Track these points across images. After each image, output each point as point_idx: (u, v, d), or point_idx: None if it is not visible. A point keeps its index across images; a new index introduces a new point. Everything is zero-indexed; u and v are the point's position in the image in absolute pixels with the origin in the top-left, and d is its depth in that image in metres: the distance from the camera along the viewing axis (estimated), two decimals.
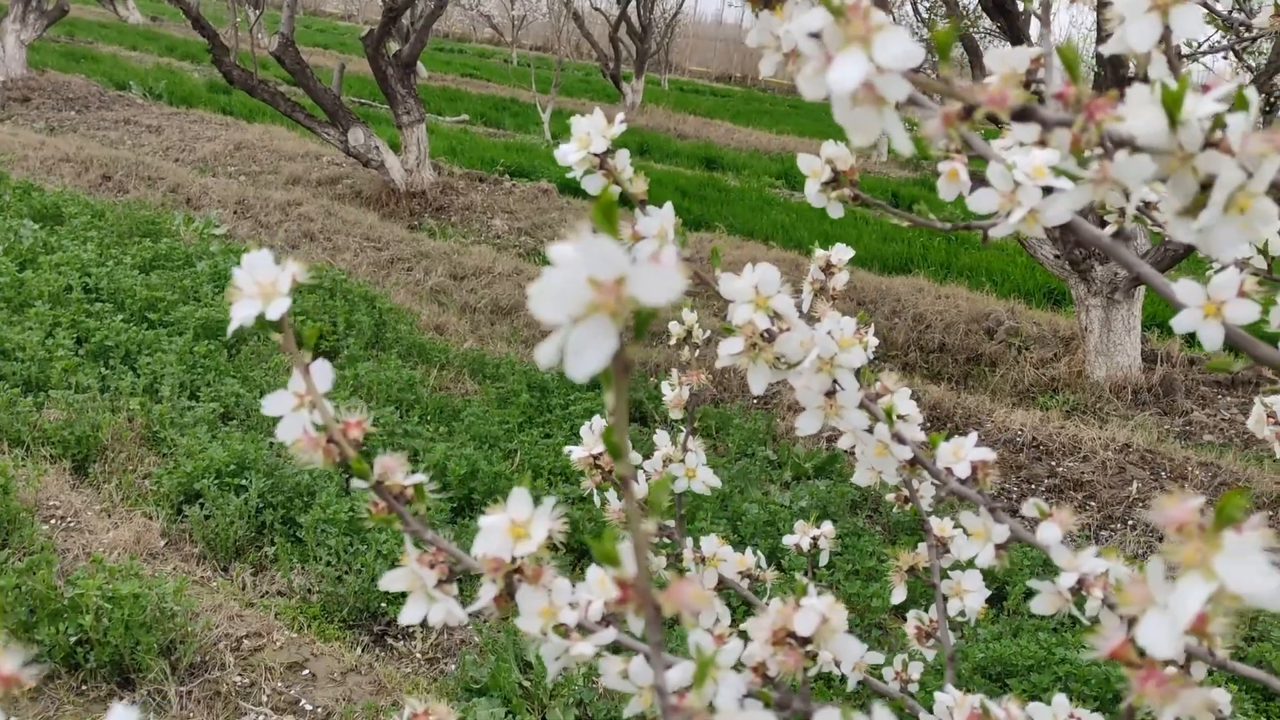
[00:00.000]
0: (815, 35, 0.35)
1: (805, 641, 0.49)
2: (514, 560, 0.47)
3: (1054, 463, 4.07)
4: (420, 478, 0.49)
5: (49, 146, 7.64)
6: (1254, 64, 5.64)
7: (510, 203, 7.66)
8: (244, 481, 3.17)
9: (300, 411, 0.48)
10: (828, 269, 0.82)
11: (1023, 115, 0.38)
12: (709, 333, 0.86)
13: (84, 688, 2.38)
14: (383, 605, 2.84)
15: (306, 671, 2.56)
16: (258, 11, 8.31)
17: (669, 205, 0.62)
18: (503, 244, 6.85)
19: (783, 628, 0.49)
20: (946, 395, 4.56)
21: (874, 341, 0.80)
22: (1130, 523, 3.70)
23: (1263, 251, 0.79)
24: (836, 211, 0.65)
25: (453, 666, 2.71)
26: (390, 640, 2.81)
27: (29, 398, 3.50)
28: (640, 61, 14.86)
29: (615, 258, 0.29)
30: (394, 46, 8.92)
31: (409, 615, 0.49)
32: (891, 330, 5.47)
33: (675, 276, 0.29)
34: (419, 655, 2.76)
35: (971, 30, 6.50)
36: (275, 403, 0.49)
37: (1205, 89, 0.39)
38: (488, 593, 0.49)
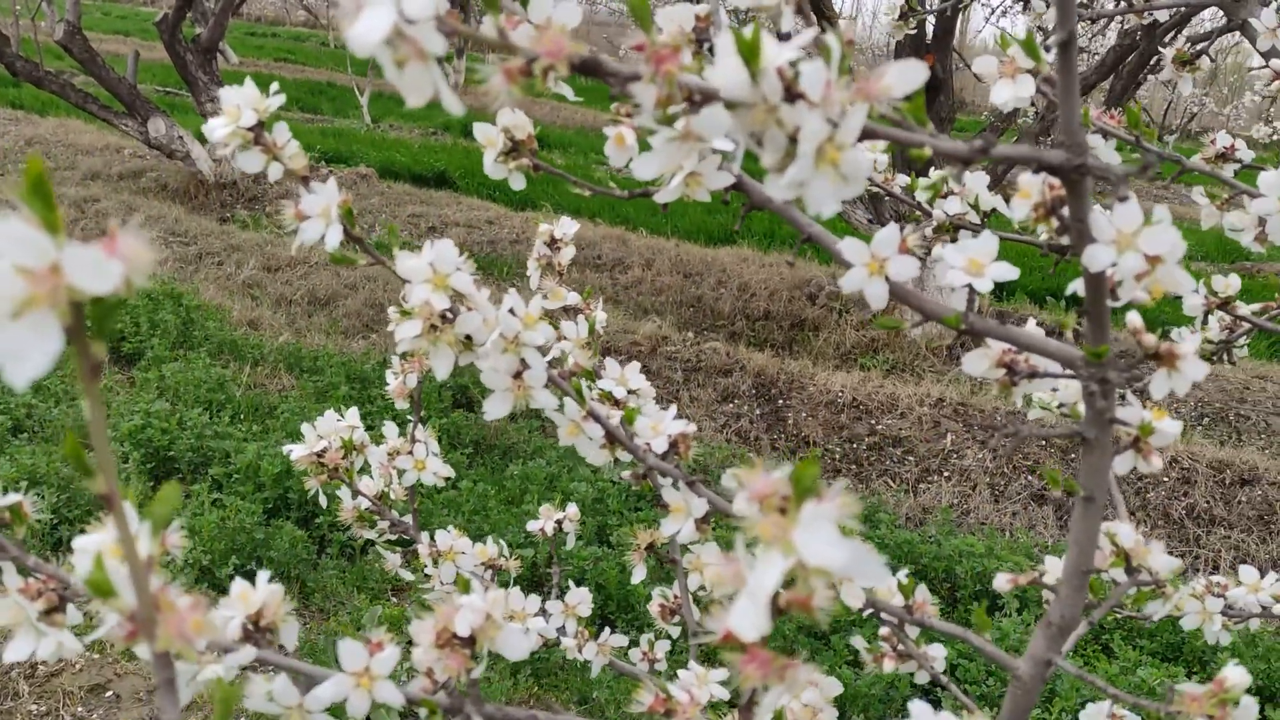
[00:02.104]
0: None
1: (469, 642, 0.46)
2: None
3: (874, 421, 4.20)
4: (16, 498, 0.44)
5: None
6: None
7: None
8: (37, 496, 2.97)
9: None
10: (553, 244, 0.79)
11: (586, 68, 0.35)
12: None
13: None
14: None
15: (110, 694, 2.42)
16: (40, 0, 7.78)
17: (333, 181, 0.58)
18: None
19: (445, 629, 0.46)
20: (771, 362, 4.64)
21: (602, 317, 0.77)
22: (946, 474, 3.85)
23: (974, 206, 0.80)
24: (519, 183, 0.62)
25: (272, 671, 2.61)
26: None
27: None
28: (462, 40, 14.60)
29: (40, 242, 0.25)
30: (198, 30, 8.48)
31: (14, 652, 0.43)
32: (718, 300, 5.54)
33: (115, 261, 0.25)
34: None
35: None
36: None
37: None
38: (112, 619, 0.44)
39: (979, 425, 4.05)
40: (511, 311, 0.57)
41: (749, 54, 0.34)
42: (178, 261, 5.57)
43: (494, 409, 0.58)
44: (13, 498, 0.44)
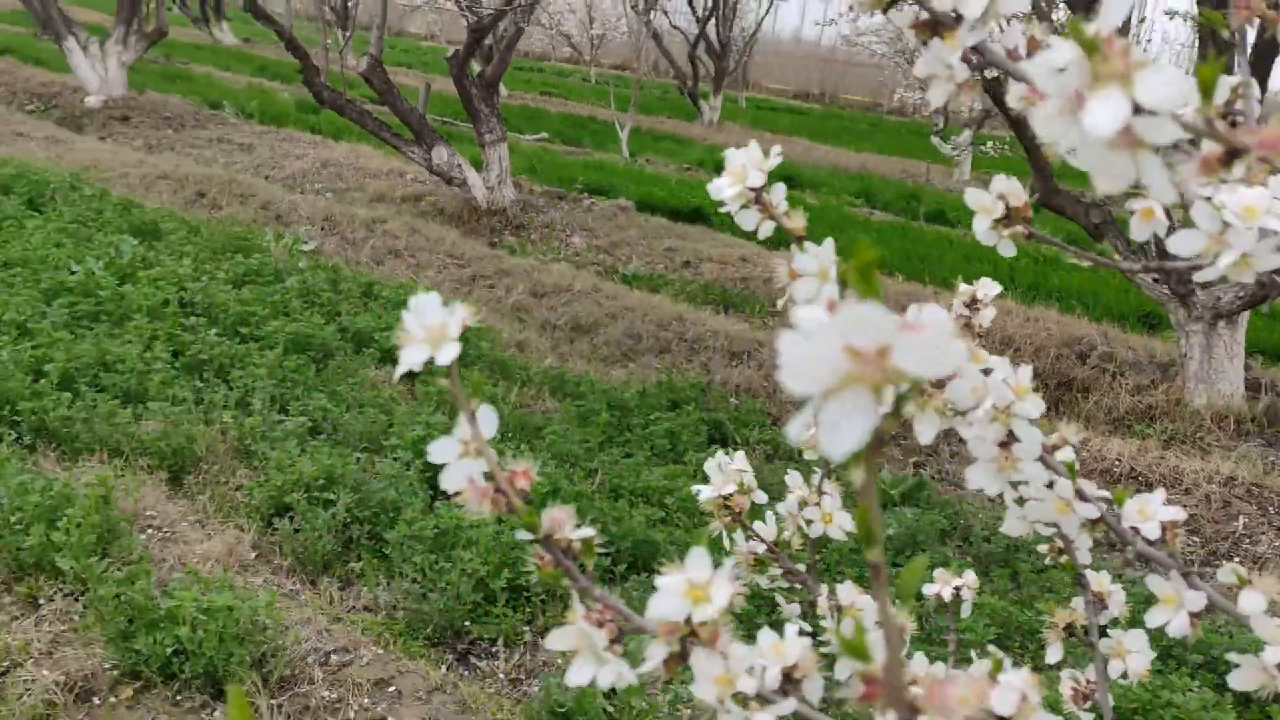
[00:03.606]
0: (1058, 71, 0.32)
1: None
2: (688, 622, 0.45)
3: None
4: (589, 532, 0.47)
5: (147, 164, 7.86)
6: None
7: (589, 220, 7.69)
8: (332, 496, 3.19)
9: (466, 460, 0.46)
10: (972, 304, 0.78)
11: None
12: None
13: (179, 698, 2.41)
14: (466, 624, 2.84)
15: (393, 689, 2.56)
16: (347, 34, 8.47)
17: (829, 242, 0.59)
18: (581, 261, 6.87)
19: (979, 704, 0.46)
20: (1039, 423, 4.43)
21: (1026, 379, 0.76)
22: (1237, 559, 3.56)
23: None
24: (1008, 250, 0.61)
25: (535, 688, 2.70)
26: (474, 659, 2.80)
27: (128, 409, 3.58)
28: (718, 79, 14.87)
29: (881, 325, 0.26)
30: (477, 66, 9.04)
31: (577, 676, 0.46)
32: None
33: (952, 345, 0.26)
34: (502, 676, 2.75)
35: None
36: (441, 450, 0.47)
37: None
38: (657, 654, 0.46)
39: (1276, 510, 3.72)
40: (1004, 381, 0.56)
41: None
42: (454, 283, 5.91)
43: (979, 479, 0.58)
44: (585, 531, 0.47)
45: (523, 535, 0.48)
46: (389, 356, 4.58)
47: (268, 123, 10.47)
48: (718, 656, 0.45)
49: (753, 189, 0.60)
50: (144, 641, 2.40)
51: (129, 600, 2.48)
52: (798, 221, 0.59)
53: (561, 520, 0.47)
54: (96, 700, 2.42)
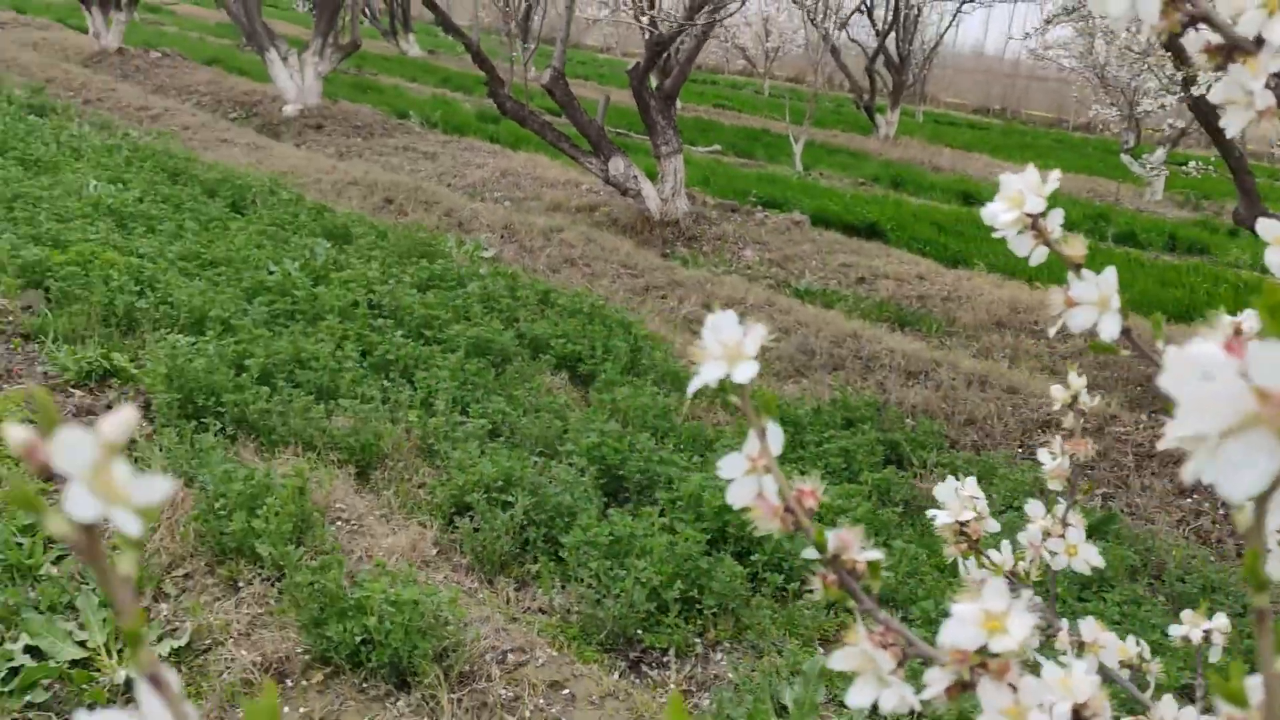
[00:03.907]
0: None
1: None
2: (978, 651, 0.44)
3: None
4: (876, 554, 0.47)
5: (339, 171, 8.26)
6: None
7: (762, 234, 7.67)
8: (510, 498, 3.27)
9: (753, 476, 0.47)
10: (1238, 334, 0.74)
11: None
12: (1098, 398, 0.80)
13: (365, 685, 2.51)
14: (639, 633, 2.86)
15: (566, 691, 2.60)
16: (530, 47, 8.70)
17: (1111, 270, 0.57)
18: (754, 275, 6.85)
19: None
20: None
21: None
22: None
23: None
24: None
25: (706, 701, 2.70)
26: (645, 668, 2.82)
27: (321, 405, 3.76)
28: (896, 93, 14.63)
29: None
30: (654, 79, 9.15)
31: (858, 698, 0.46)
32: None
33: None
34: (673, 686, 2.75)
35: None
36: (730, 466, 0.47)
37: None
38: (939, 681, 0.45)
39: None
40: None
41: None
42: (627, 293, 5.98)
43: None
44: (873, 554, 0.47)
45: (809, 553, 0.48)
46: (564, 363, 4.68)
47: (450, 132, 10.85)
48: (1007, 688, 0.43)
49: (1030, 215, 0.58)
50: (335, 629, 2.51)
51: (321, 588, 2.60)
52: (1077, 249, 0.57)
53: (850, 542, 0.47)
54: (289, 683, 2.55)
